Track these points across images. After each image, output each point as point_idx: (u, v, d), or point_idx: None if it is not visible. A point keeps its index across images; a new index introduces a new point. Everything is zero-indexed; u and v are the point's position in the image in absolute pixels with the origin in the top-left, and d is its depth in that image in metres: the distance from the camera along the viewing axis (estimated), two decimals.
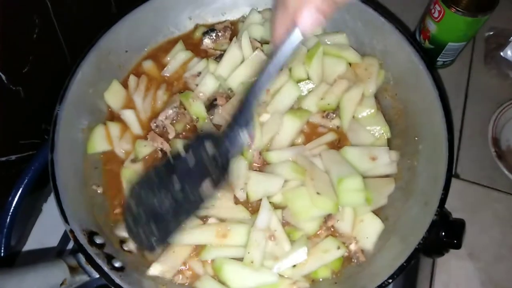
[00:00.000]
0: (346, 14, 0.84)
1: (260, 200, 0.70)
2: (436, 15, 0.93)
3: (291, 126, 0.76)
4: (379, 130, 0.80)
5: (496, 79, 1.03)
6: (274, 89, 0.78)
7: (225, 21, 0.90)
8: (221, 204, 0.70)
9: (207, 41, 0.86)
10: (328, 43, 0.85)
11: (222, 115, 0.76)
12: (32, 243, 0.85)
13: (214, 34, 0.85)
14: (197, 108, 0.77)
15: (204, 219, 0.71)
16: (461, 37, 0.94)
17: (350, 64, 0.83)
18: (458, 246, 0.69)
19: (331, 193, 0.68)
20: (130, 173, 0.75)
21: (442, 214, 0.67)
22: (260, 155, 0.75)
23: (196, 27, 0.89)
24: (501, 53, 1.01)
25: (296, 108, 0.80)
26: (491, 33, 1.08)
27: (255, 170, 0.74)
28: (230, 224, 0.69)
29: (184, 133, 0.79)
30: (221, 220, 0.71)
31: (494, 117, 0.95)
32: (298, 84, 0.80)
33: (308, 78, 0.81)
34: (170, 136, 0.78)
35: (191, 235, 0.68)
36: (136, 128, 0.79)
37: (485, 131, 0.96)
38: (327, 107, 0.80)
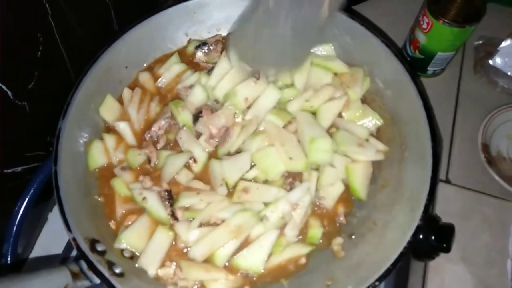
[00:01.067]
0: (334, 28, 0.87)
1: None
2: (424, 26, 0.95)
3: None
4: (371, 120, 0.84)
5: (485, 87, 1.05)
6: (253, 97, 0.81)
7: (216, 35, 0.93)
8: (215, 206, 0.74)
9: (199, 55, 0.89)
10: (317, 53, 0.89)
11: (206, 124, 0.79)
12: (38, 250, 0.87)
13: (206, 48, 0.88)
14: (184, 117, 0.81)
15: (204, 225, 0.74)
16: (449, 47, 0.97)
17: (335, 74, 0.86)
18: (447, 250, 0.71)
19: (302, 155, 0.75)
20: (120, 183, 0.78)
21: (430, 219, 0.69)
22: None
23: (189, 41, 0.93)
24: (490, 61, 1.02)
25: (279, 109, 0.82)
26: (480, 42, 1.10)
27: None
28: (235, 219, 0.72)
29: (172, 144, 0.82)
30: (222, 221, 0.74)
31: (484, 123, 0.97)
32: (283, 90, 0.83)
33: (293, 85, 0.84)
34: (159, 146, 0.81)
35: (208, 243, 0.71)
36: (130, 138, 0.82)
37: (475, 138, 0.98)
38: (309, 109, 0.83)
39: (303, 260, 0.74)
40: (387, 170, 0.80)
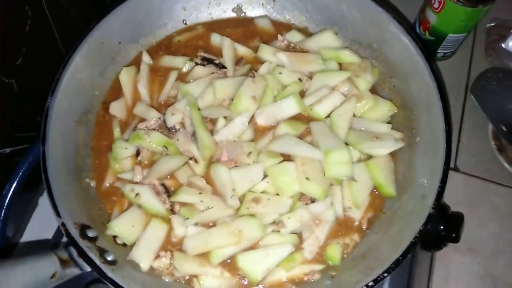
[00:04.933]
0: (342, 3, 0.82)
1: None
2: (436, 5, 0.91)
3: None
4: (387, 112, 0.79)
5: None
6: (259, 94, 0.75)
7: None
8: (217, 213, 0.70)
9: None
10: (323, 42, 0.84)
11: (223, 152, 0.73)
12: (29, 235, 0.85)
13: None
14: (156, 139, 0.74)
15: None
16: (461, 28, 0.93)
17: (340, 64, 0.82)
18: (456, 239, 0.68)
19: (321, 180, 0.68)
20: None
21: (440, 207, 0.66)
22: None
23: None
24: (503, 45, 0.99)
25: (292, 119, 0.77)
26: (493, 24, 1.06)
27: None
28: (237, 222, 0.68)
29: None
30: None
31: None
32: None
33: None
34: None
35: (203, 239, 0.67)
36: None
37: (485, 124, 0.95)
38: (310, 113, 0.77)
39: (316, 276, 0.68)
40: (396, 156, 0.76)
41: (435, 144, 0.68)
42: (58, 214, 0.62)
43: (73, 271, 0.60)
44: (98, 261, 0.60)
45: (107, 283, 0.60)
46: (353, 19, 0.83)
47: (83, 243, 0.61)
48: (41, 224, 0.85)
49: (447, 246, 0.70)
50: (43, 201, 0.88)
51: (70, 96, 0.74)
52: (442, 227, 0.67)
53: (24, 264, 0.54)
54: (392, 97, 0.81)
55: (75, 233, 0.62)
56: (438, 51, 1.00)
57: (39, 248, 0.83)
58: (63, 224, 0.61)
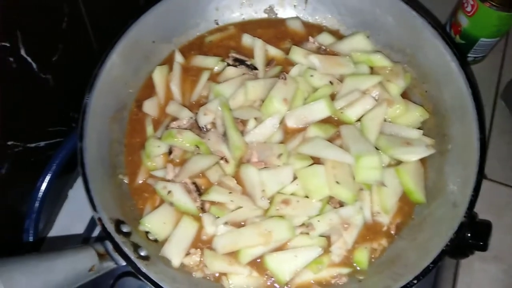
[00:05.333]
0: (376, 8, 0.82)
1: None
2: (468, 9, 0.90)
3: None
4: (419, 117, 0.78)
5: None
6: (290, 96, 0.75)
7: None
8: (246, 213, 0.71)
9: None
10: (354, 45, 0.83)
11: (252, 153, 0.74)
12: (58, 229, 0.86)
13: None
14: (188, 139, 0.75)
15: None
16: (494, 32, 0.92)
17: (372, 68, 0.81)
18: (484, 248, 0.68)
19: (351, 184, 0.69)
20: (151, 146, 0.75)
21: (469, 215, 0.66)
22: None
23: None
24: None
25: (322, 121, 0.77)
26: None
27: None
28: (267, 223, 0.68)
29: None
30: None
31: None
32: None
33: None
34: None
35: (233, 238, 0.68)
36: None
37: None
38: (340, 116, 0.77)
39: (343, 279, 0.69)
40: (427, 163, 0.76)
41: (468, 152, 0.68)
42: (95, 208, 0.63)
43: (109, 265, 0.62)
44: (132, 256, 0.62)
45: (141, 278, 0.61)
46: (387, 23, 0.82)
47: (118, 238, 0.63)
48: (71, 218, 0.86)
49: (473, 254, 0.70)
50: (73, 194, 0.89)
51: (106, 94, 0.75)
52: (469, 234, 0.67)
53: (65, 257, 0.55)
54: (424, 102, 0.81)
55: (110, 227, 0.63)
56: (469, 55, 0.99)
57: (69, 242, 0.84)
58: (99, 219, 0.63)
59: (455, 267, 0.84)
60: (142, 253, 0.65)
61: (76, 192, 0.89)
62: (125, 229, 0.66)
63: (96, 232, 0.83)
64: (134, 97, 0.83)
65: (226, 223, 0.70)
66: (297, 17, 0.91)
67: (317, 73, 0.79)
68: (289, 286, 0.69)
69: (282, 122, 0.76)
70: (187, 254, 0.69)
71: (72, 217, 0.86)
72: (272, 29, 0.89)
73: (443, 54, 0.74)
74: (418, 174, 0.73)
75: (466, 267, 0.84)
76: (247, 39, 0.87)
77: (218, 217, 0.70)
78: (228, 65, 0.83)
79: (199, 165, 0.73)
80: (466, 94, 0.70)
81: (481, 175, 0.65)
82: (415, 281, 0.60)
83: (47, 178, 0.81)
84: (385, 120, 0.77)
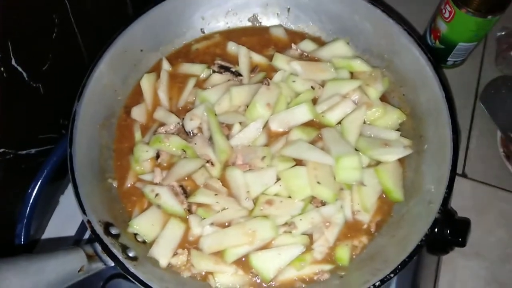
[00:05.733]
0: (355, 15, 0.85)
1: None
2: (446, 15, 0.93)
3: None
4: (397, 120, 0.81)
5: None
6: (273, 101, 0.78)
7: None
8: (232, 214, 0.73)
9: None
10: (335, 51, 0.86)
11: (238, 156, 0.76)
12: (50, 232, 0.88)
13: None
14: (175, 143, 0.77)
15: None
16: (471, 37, 0.94)
17: (351, 72, 0.84)
18: (462, 244, 0.70)
19: (331, 184, 0.71)
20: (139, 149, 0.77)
21: (447, 213, 0.68)
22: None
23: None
24: None
25: (304, 126, 0.79)
26: (503, 33, 1.07)
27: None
28: (251, 222, 0.70)
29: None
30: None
31: None
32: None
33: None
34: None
35: (218, 238, 0.70)
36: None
37: (494, 131, 0.97)
38: (322, 120, 0.80)
39: (325, 276, 0.71)
40: (405, 163, 0.78)
41: (442, 151, 0.70)
42: (84, 212, 0.65)
43: (98, 266, 0.63)
44: (121, 257, 0.64)
45: (129, 278, 0.63)
46: (365, 29, 0.85)
47: (107, 240, 0.64)
48: (62, 222, 0.88)
49: (453, 250, 0.72)
50: (64, 199, 0.91)
51: (95, 101, 0.77)
52: (448, 231, 0.69)
53: (56, 258, 0.57)
54: (402, 105, 0.84)
55: (99, 230, 0.65)
56: (448, 59, 1.02)
57: (61, 244, 0.86)
58: (88, 222, 0.65)
59: (436, 264, 0.86)
60: (131, 254, 0.67)
61: (67, 198, 0.91)
62: (114, 231, 0.68)
63: (87, 234, 0.85)
64: (123, 103, 0.85)
65: (212, 224, 0.72)
66: (280, 25, 0.94)
67: (299, 78, 0.82)
68: (273, 283, 0.71)
69: (266, 126, 0.79)
70: (175, 254, 0.71)
71: (63, 221, 0.88)
72: (256, 36, 0.92)
73: (418, 59, 0.77)
74: (396, 174, 0.76)
75: (449, 264, 0.86)
76: (232, 47, 0.90)
77: (204, 218, 0.72)
78: (214, 72, 0.85)
79: (186, 169, 0.76)
80: (440, 97, 0.73)
81: (454, 173, 0.67)
82: (392, 275, 0.62)
83: (38, 184, 0.82)
84: (364, 123, 0.80)
